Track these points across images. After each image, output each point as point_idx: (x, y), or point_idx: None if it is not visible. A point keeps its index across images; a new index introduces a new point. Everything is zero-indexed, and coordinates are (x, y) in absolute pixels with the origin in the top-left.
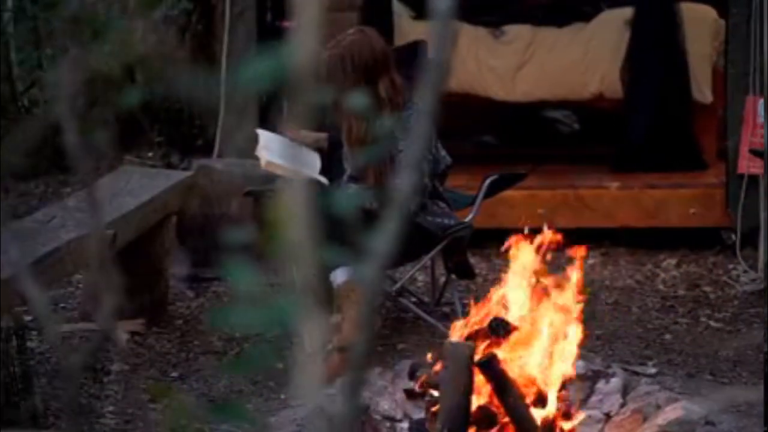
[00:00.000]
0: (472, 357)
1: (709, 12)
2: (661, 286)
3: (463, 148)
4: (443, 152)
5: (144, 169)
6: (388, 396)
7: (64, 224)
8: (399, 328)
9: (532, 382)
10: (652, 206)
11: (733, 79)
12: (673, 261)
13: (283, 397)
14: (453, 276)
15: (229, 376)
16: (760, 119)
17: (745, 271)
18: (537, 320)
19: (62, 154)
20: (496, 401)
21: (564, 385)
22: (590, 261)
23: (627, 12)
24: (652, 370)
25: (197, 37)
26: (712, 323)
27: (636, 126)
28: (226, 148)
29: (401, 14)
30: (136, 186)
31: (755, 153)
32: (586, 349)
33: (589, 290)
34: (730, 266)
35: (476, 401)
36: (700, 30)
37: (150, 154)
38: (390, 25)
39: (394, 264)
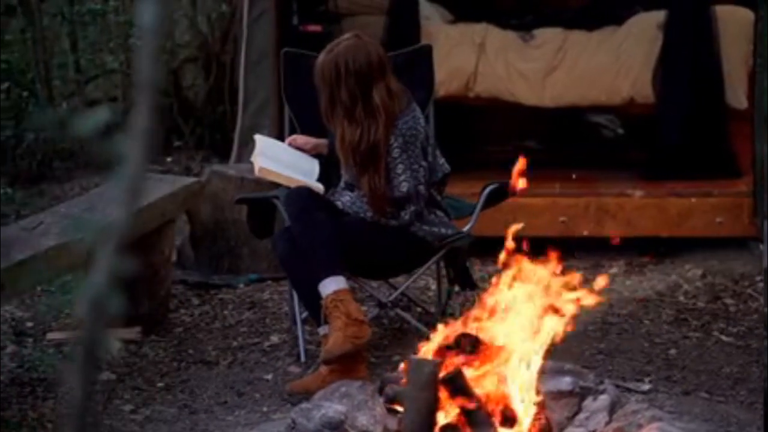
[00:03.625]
0: (436, 374)
1: (746, 14)
2: (681, 298)
3: (505, 152)
4: (441, 160)
5: (150, 174)
6: (367, 410)
7: (48, 231)
8: (400, 340)
9: (502, 399)
10: (676, 215)
11: (762, 83)
12: (699, 272)
13: (265, 409)
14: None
15: (216, 386)
16: None
17: None
18: (510, 335)
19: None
20: (462, 419)
21: (543, 403)
22: (613, 270)
23: (660, 15)
24: (646, 387)
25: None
26: (723, 338)
27: (668, 132)
28: (244, 153)
29: (430, 18)
30: None
31: None
32: (583, 364)
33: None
34: (757, 278)
35: (443, 419)
36: (736, 33)
37: (169, 159)
38: (418, 29)
39: (389, 274)
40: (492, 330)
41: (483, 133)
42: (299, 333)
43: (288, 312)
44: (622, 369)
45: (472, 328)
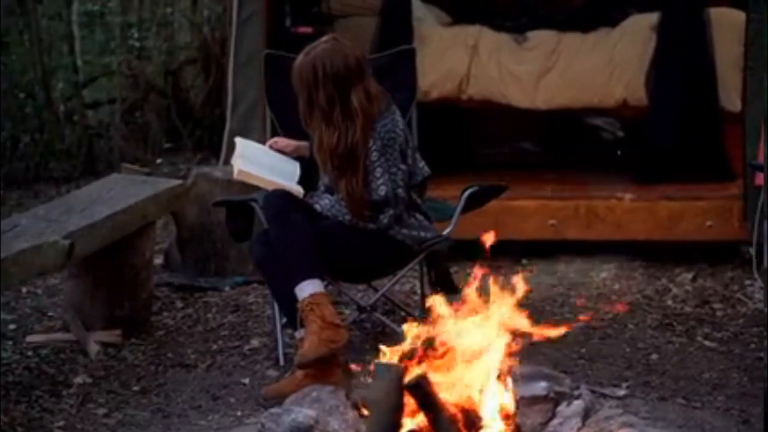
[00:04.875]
0: (400, 379)
1: (740, 16)
2: (669, 302)
3: (501, 154)
4: (421, 163)
5: (133, 176)
6: (338, 415)
7: (24, 233)
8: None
9: (468, 405)
10: (666, 218)
11: (752, 87)
12: (689, 276)
13: (239, 414)
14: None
15: (192, 390)
16: None
17: (761, 288)
18: (477, 341)
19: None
20: (427, 424)
21: (513, 408)
22: (603, 274)
23: (654, 17)
24: (621, 393)
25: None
26: (707, 343)
27: (661, 135)
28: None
29: (423, 19)
30: (117, 194)
31: (754, 167)
32: (561, 369)
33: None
34: (747, 282)
35: (409, 424)
36: (730, 35)
37: (159, 161)
38: (411, 31)
39: (369, 277)
40: (458, 335)
41: (480, 135)
42: (278, 336)
43: (271, 315)
44: (601, 374)
45: (437, 334)
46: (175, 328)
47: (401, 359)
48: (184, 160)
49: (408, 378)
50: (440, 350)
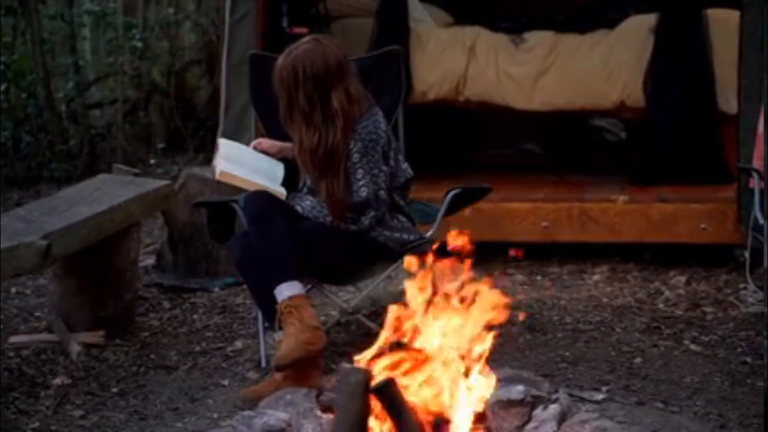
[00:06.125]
0: (366, 383)
1: (738, 18)
2: (661, 305)
3: (505, 156)
4: (404, 165)
5: (121, 177)
6: (313, 418)
7: (1, 233)
8: (366, 347)
9: (437, 409)
10: (660, 221)
11: (746, 89)
12: (683, 279)
13: (215, 416)
14: None
15: (171, 392)
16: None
17: (754, 291)
18: (447, 343)
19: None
20: (393, 429)
21: (484, 412)
22: (595, 277)
23: (652, 18)
24: (600, 397)
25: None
26: (693, 347)
27: (658, 137)
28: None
29: (421, 20)
30: (101, 195)
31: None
32: (544, 372)
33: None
34: (741, 286)
35: (376, 428)
36: (728, 36)
37: (153, 162)
38: (407, 31)
39: (352, 279)
40: (428, 338)
41: (484, 136)
42: (261, 338)
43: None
44: (582, 377)
45: (406, 336)
46: (160, 329)
47: (369, 362)
48: (186, 161)
49: (374, 381)
50: (410, 353)
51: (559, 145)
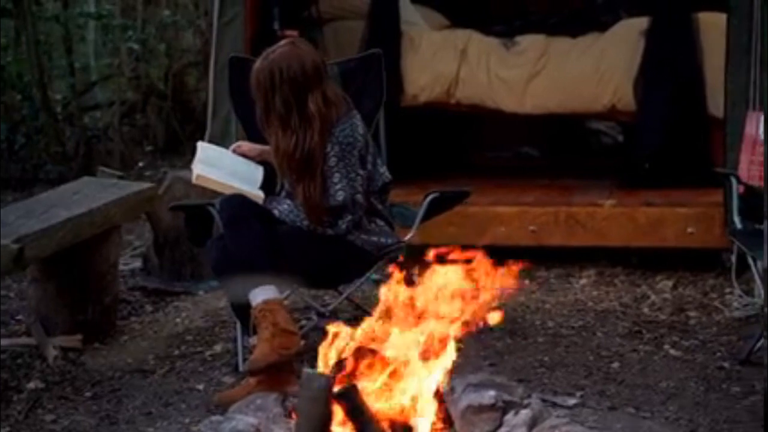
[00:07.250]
0: (328, 388)
1: None
2: (645, 310)
3: (501, 158)
4: (382, 168)
5: (104, 179)
6: (283, 423)
7: None
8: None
9: (399, 414)
10: (647, 225)
11: (733, 93)
12: (670, 283)
13: (187, 421)
14: None
15: (145, 396)
16: (761, 136)
17: (740, 296)
18: (410, 349)
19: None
20: None
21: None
22: (582, 281)
23: (643, 22)
24: (572, 402)
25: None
26: (672, 351)
27: (647, 140)
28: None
29: (414, 23)
30: (82, 198)
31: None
32: (520, 377)
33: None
34: (727, 290)
35: None
36: (719, 41)
37: (141, 164)
38: (399, 34)
39: (329, 284)
40: (390, 342)
41: (481, 138)
42: (239, 342)
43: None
44: (558, 382)
45: (368, 341)
46: (140, 332)
47: (332, 368)
48: (184, 163)
49: (337, 387)
50: (373, 358)
51: (557, 148)
